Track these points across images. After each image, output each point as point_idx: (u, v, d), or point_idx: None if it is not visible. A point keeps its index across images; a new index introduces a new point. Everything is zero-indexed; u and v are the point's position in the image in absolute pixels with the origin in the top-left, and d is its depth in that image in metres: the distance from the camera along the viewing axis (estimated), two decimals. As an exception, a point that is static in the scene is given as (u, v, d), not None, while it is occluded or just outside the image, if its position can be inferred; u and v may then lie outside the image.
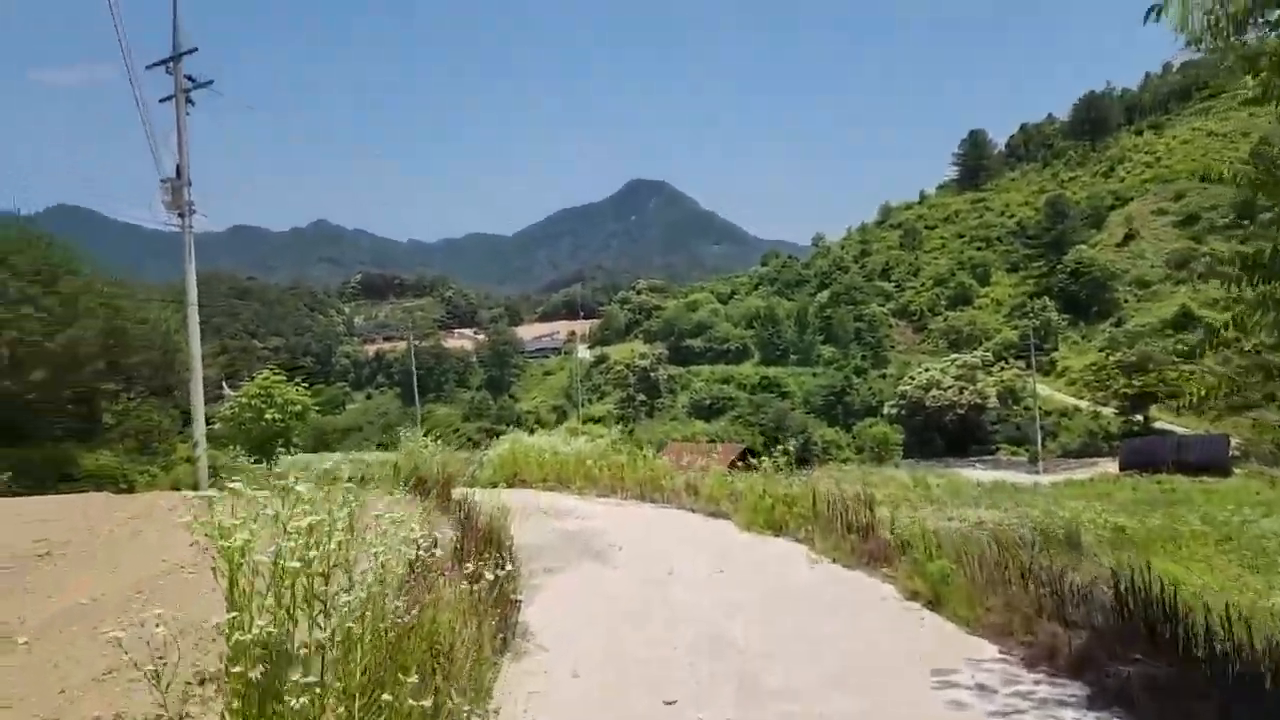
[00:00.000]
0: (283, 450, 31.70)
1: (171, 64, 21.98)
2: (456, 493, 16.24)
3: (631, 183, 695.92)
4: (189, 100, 22.34)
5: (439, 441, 22.74)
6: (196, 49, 22.21)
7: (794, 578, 10.10)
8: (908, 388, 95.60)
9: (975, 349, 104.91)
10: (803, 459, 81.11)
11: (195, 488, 23.70)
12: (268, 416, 30.21)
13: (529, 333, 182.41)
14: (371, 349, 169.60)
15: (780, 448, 15.46)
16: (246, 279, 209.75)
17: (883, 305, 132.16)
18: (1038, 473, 65.39)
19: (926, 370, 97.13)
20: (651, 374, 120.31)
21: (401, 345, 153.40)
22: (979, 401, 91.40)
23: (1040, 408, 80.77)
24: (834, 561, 10.63)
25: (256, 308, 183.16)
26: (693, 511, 15.48)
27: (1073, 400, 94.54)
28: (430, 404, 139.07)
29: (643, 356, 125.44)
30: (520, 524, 14.54)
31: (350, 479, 18.07)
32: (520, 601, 8.48)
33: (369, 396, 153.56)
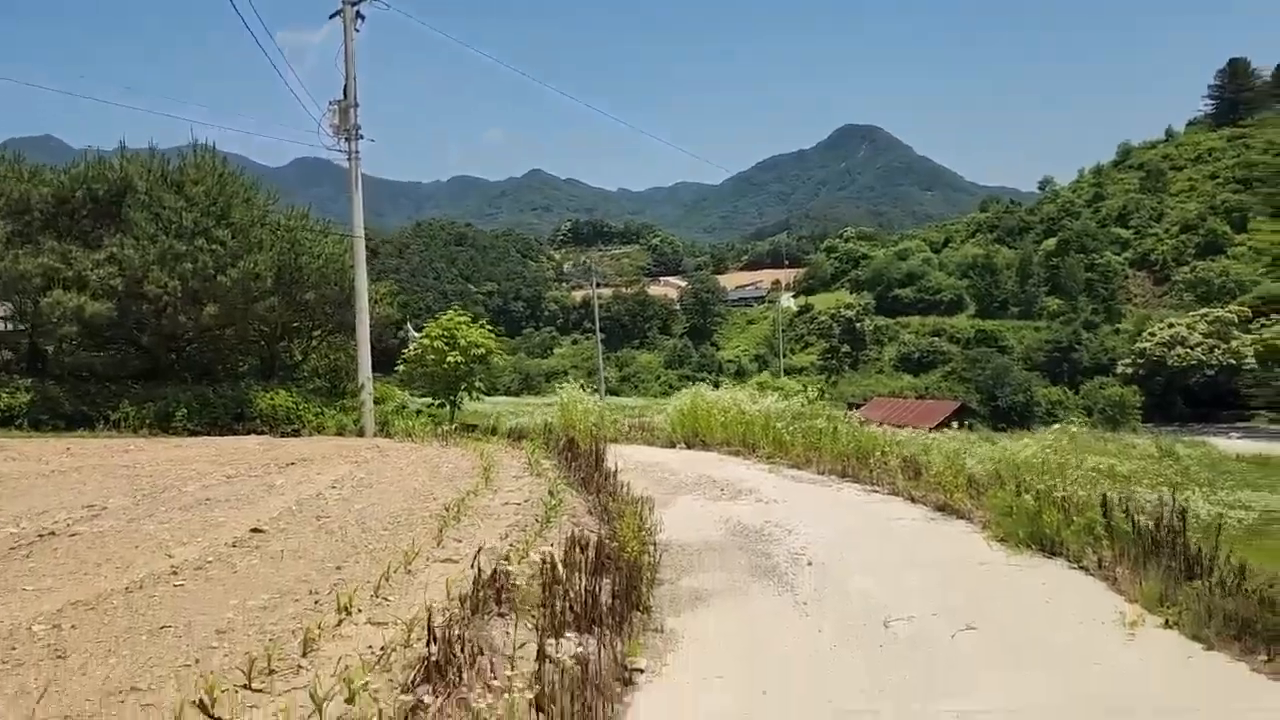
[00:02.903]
0: (465, 394, 30.69)
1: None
2: (613, 456, 13.81)
3: (842, 128, 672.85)
4: (358, 15, 20.74)
5: (596, 394, 20.63)
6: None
7: (1105, 657, 6.06)
8: (1147, 344, 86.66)
9: (1228, 303, 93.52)
10: (1024, 419, 75.25)
11: (362, 433, 22.53)
12: (450, 360, 28.86)
13: (733, 281, 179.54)
14: (579, 295, 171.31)
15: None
16: (464, 226, 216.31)
17: (1118, 254, 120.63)
18: (1308, 444, 57.06)
19: (1170, 326, 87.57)
20: (857, 324, 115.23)
21: (608, 292, 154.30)
22: (1232, 362, 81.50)
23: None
24: (1169, 626, 6.60)
25: (472, 254, 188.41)
26: (913, 502, 11.84)
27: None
28: (633, 350, 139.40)
29: (848, 306, 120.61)
30: (681, 505, 11.92)
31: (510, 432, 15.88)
32: (632, 678, 5.83)
33: (575, 341, 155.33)
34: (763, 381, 38.27)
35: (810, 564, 8.74)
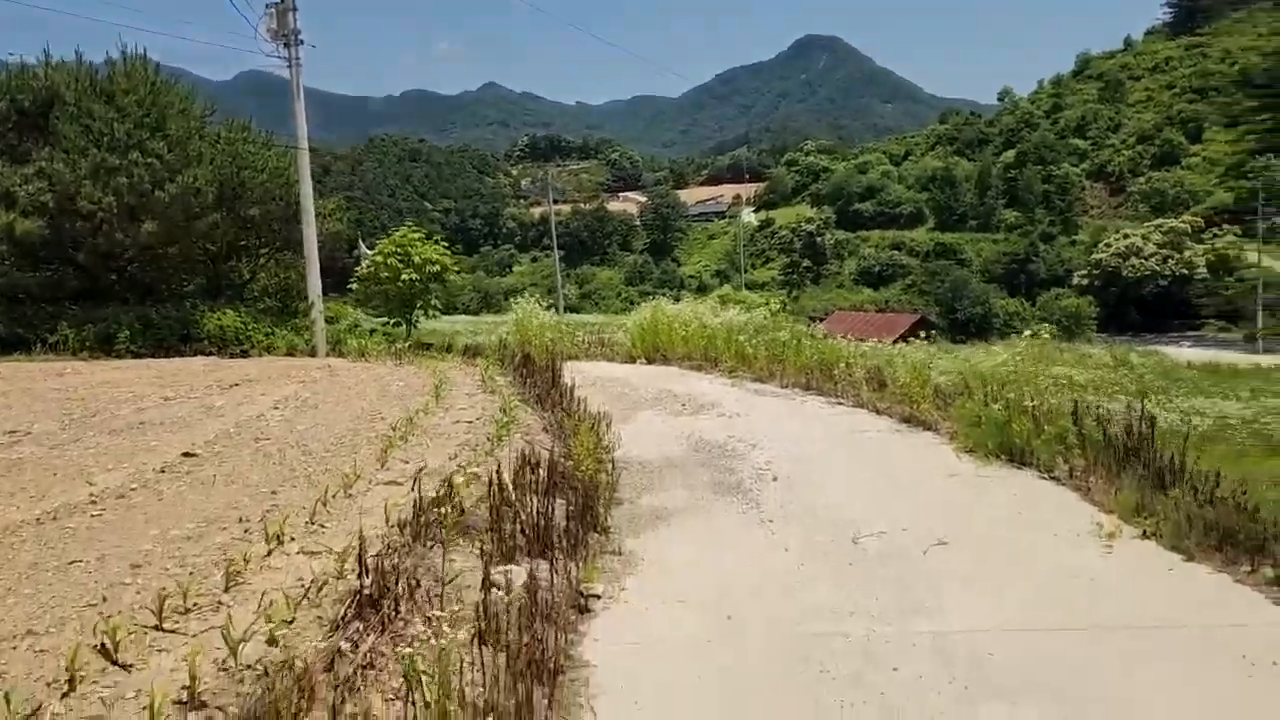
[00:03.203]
0: (421, 313, 30.04)
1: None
2: (571, 372, 13.38)
3: (802, 39, 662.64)
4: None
5: (552, 310, 20.13)
6: None
7: (1083, 571, 5.79)
8: (1102, 256, 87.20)
9: (1182, 214, 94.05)
10: (981, 331, 75.84)
11: (314, 353, 21.93)
12: (404, 278, 28.09)
13: (693, 196, 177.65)
14: (537, 211, 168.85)
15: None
16: (418, 142, 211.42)
17: (1076, 165, 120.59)
18: (1257, 352, 58.06)
19: (1125, 237, 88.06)
20: (817, 239, 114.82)
21: (566, 208, 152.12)
22: (1185, 272, 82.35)
23: (1261, 279, 71.69)
24: (1147, 536, 6.31)
25: (427, 170, 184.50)
26: (878, 414, 11.46)
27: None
28: (593, 267, 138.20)
29: (809, 221, 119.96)
30: (641, 421, 11.53)
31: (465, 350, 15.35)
32: (588, 605, 5.44)
33: (534, 259, 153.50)
34: (724, 295, 37.81)
35: (775, 479, 8.40)
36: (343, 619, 4.29)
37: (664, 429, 11.04)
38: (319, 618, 4.38)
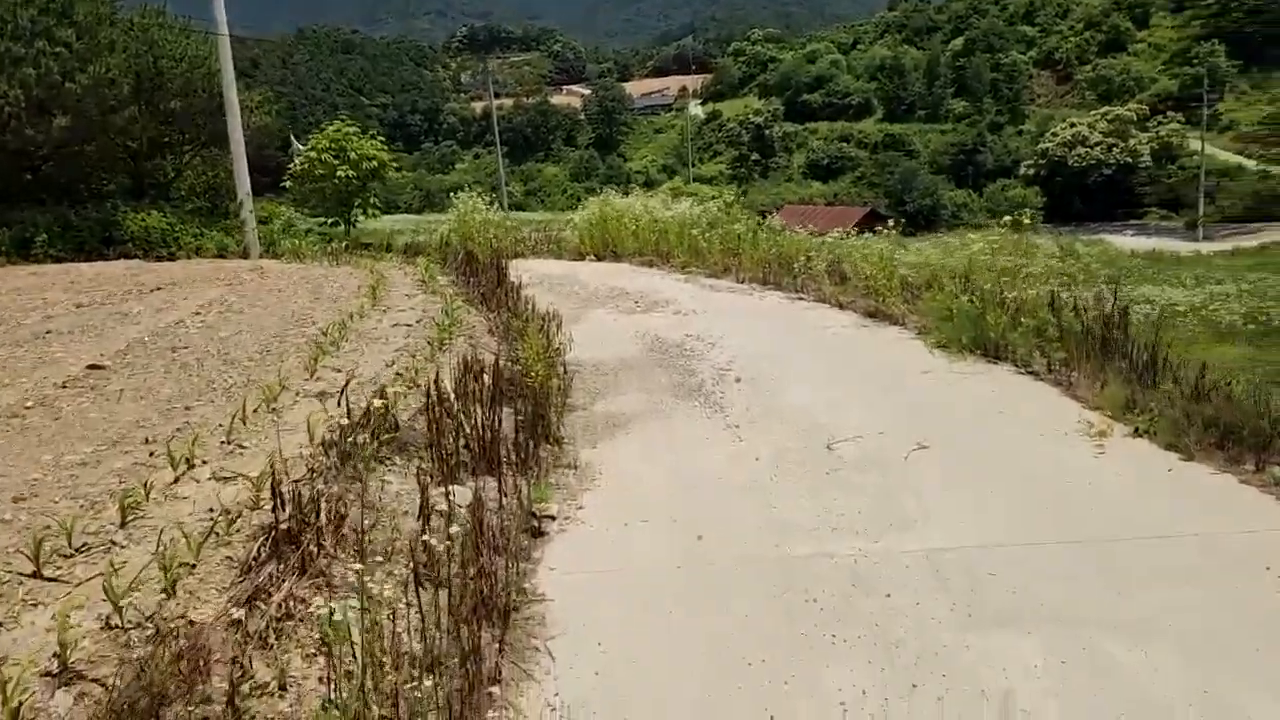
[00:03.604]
0: (360, 212, 28.92)
1: None
2: (519, 270, 12.66)
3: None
4: None
5: (495, 206, 19.22)
6: None
7: (1076, 474, 5.39)
8: (1049, 145, 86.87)
9: (1128, 101, 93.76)
10: (930, 223, 75.77)
11: (246, 255, 20.93)
12: (340, 174, 26.79)
13: (639, 88, 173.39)
14: (478, 106, 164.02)
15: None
16: (351, 32, 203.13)
17: (1024, 53, 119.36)
18: (1197, 239, 58.78)
19: (1071, 125, 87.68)
20: (766, 131, 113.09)
21: (508, 103, 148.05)
22: (1129, 160, 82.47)
23: (1203, 166, 72.16)
24: (1139, 434, 5.89)
25: (362, 63, 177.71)
26: (841, 308, 10.89)
27: (1238, 158, 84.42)
28: (538, 163, 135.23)
29: (757, 113, 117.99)
30: (593, 320, 10.91)
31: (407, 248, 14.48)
32: (542, 528, 4.90)
33: (477, 156, 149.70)
34: (675, 187, 36.85)
35: (739, 380, 7.86)
36: (255, 560, 3.68)
37: (618, 328, 10.43)
38: (228, 559, 3.76)
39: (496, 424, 5.67)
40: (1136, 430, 5.96)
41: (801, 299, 11.93)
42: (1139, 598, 3.98)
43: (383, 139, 30.20)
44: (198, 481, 4.69)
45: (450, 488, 4.86)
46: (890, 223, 11.82)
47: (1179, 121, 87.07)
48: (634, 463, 5.96)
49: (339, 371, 7.16)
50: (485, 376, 6.39)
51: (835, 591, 4.08)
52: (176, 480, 4.68)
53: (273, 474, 3.94)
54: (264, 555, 3.67)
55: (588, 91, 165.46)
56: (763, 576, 4.27)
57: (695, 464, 5.90)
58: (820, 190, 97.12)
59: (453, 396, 5.85)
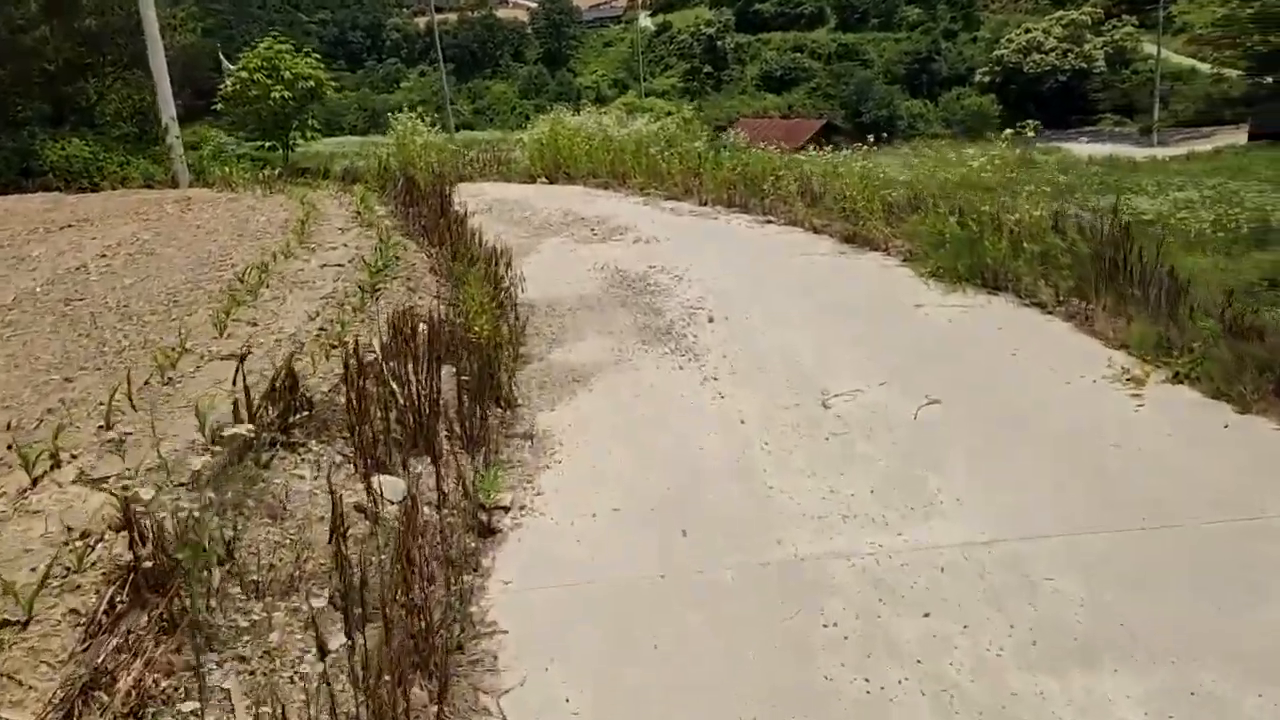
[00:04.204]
0: (298, 135, 27.44)
1: None
2: (466, 195, 11.60)
3: None
4: None
5: (438, 127, 17.96)
6: None
7: (1117, 433, 4.60)
8: (1004, 52, 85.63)
9: (1083, 4, 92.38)
10: (887, 135, 74.72)
11: (175, 184, 19.58)
12: (275, 95, 25.18)
13: (586, 0, 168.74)
14: (421, 21, 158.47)
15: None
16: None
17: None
18: (1152, 145, 58.45)
19: (1026, 31, 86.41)
20: (718, 43, 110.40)
21: (453, 17, 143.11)
22: (1084, 66, 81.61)
23: (1158, 70, 71.56)
24: (1179, 380, 5.12)
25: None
26: (815, 232, 9.71)
27: (1191, 61, 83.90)
28: (485, 81, 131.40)
29: (708, 24, 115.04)
30: (547, 251, 9.95)
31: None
32: (492, 523, 4.02)
33: (422, 74, 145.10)
34: (629, 103, 35.41)
35: (712, 320, 6.98)
36: (109, 612, 2.78)
37: (574, 260, 9.47)
38: (73, 612, 2.85)
39: (435, 390, 4.77)
40: (1176, 375, 5.18)
41: (771, 222, 10.98)
42: (1264, 614, 3.19)
43: (319, 57, 28.50)
44: (59, 485, 3.75)
45: (377, 479, 3.99)
46: (870, 139, 10.89)
47: (1133, 25, 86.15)
48: (599, 430, 5.10)
49: (254, 325, 6.20)
50: (422, 329, 5.48)
51: (858, 609, 3.27)
52: (34, 484, 3.75)
53: (125, 498, 3.02)
54: (120, 607, 2.78)
55: (534, 3, 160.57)
56: (766, 591, 3.45)
57: (671, 429, 5.05)
58: (775, 103, 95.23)
59: (382, 358, 4.94)
